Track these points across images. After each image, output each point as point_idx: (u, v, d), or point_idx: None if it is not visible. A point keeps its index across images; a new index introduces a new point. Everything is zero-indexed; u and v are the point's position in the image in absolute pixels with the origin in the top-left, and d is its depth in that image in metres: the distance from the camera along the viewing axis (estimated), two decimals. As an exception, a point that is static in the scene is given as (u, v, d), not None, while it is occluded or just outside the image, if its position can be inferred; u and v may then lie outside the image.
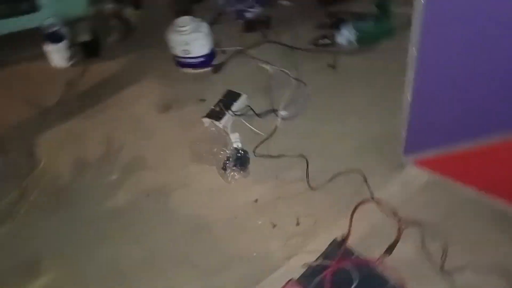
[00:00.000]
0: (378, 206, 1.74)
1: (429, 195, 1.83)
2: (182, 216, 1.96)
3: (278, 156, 2.10)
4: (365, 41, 2.59)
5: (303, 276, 1.44)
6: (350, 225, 1.67)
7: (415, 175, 1.89)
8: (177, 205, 2.01)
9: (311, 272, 1.44)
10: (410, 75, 1.60)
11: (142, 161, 2.25)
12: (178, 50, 2.61)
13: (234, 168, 2.05)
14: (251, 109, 2.32)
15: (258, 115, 2.29)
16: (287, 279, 1.54)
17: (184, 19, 2.56)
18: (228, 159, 2.07)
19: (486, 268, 1.56)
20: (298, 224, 1.85)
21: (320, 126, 2.23)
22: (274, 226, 1.86)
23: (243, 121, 2.28)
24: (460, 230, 1.70)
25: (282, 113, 2.25)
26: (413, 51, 1.52)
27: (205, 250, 1.83)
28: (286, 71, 2.52)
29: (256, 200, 1.97)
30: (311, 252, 1.67)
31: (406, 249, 1.64)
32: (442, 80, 1.56)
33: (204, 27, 2.59)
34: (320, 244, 1.67)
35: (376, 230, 1.74)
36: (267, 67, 2.56)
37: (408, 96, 1.66)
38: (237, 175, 2.05)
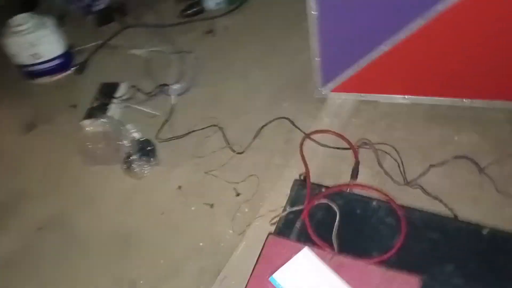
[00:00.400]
0: (331, 133, 1.57)
1: (361, 115, 1.69)
2: (96, 236, 1.55)
3: (187, 134, 1.79)
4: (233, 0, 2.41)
5: (279, 228, 1.17)
6: (304, 163, 1.46)
7: (340, 102, 1.73)
8: (84, 227, 1.59)
9: (286, 222, 1.18)
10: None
11: (21, 193, 1.76)
12: (24, 57, 2.11)
13: (141, 161, 1.69)
14: (138, 89, 1.97)
15: (148, 94, 1.95)
16: (253, 253, 1.24)
17: (21, 17, 2.07)
18: (129, 154, 1.70)
19: (447, 165, 1.46)
20: (238, 194, 1.57)
21: (222, 90, 1.97)
22: (212, 206, 1.55)
23: (134, 106, 1.92)
24: (404, 138, 1.58)
25: (174, 87, 1.94)
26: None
27: (141, 262, 1.45)
28: (161, 49, 2.22)
29: (179, 187, 1.64)
30: (267, 214, 1.40)
31: (365, 172, 1.46)
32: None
33: (50, 22, 2.14)
34: (276, 199, 1.42)
35: (327, 161, 1.55)
36: (138, 52, 2.23)
37: (314, 19, 1.50)
38: (146, 168, 1.69)
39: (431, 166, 1.44)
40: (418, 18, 1.41)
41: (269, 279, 0.97)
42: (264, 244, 1.05)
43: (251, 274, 1.00)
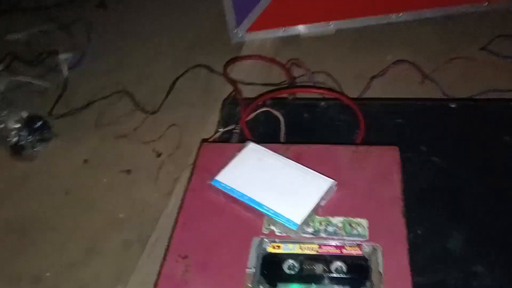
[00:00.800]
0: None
1: (285, 52, 1.52)
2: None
3: (88, 105, 1.49)
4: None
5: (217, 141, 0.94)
6: (231, 80, 1.28)
7: (259, 42, 1.54)
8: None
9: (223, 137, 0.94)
10: None
11: None
12: None
13: (30, 141, 1.35)
14: (15, 57, 1.64)
15: (32, 62, 1.62)
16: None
17: None
18: (15, 135, 1.36)
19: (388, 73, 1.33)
20: (159, 154, 1.30)
21: (123, 57, 1.67)
22: (129, 172, 1.27)
23: (19, 79, 1.58)
24: (335, 67, 1.41)
25: (64, 57, 1.62)
26: None
27: (45, 252, 1.12)
28: (45, 28, 1.88)
29: (85, 161, 1.32)
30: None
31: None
32: None
33: None
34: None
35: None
36: (16, 36, 1.88)
37: None
38: (38, 147, 1.36)
39: (373, 77, 1.29)
40: None
41: (211, 182, 0.72)
42: (197, 154, 0.80)
43: (185, 190, 0.74)
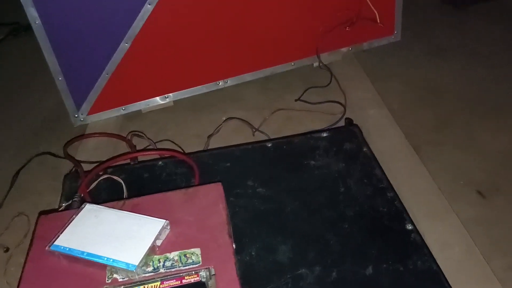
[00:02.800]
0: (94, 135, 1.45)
1: (131, 124, 1.60)
2: None
3: None
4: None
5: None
6: (71, 157, 1.31)
7: (102, 123, 1.59)
8: None
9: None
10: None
11: None
12: None
13: None
14: None
15: None
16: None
17: None
18: None
19: (221, 130, 1.48)
20: (6, 249, 1.23)
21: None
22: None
23: None
24: (177, 133, 1.55)
25: None
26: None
27: None
28: None
29: None
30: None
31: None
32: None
33: None
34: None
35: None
36: None
37: (40, 30, 1.38)
38: None
39: (210, 136, 1.43)
40: (144, 5, 1.44)
41: (50, 248, 0.73)
42: (35, 226, 0.81)
43: (25, 262, 0.74)
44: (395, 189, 1.04)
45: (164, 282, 0.73)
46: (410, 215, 1.00)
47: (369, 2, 1.66)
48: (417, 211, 1.14)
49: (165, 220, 0.78)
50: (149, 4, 1.44)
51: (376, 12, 1.68)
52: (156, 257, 0.76)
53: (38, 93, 1.85)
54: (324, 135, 1.18)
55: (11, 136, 1.67)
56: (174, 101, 1.67)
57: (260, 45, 1.67)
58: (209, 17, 1.55)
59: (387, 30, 1.80)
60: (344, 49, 1.78)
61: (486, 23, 2.02)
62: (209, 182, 1.02)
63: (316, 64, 1.74)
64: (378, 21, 1.70)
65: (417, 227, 0.98)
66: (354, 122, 1.30)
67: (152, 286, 0.73)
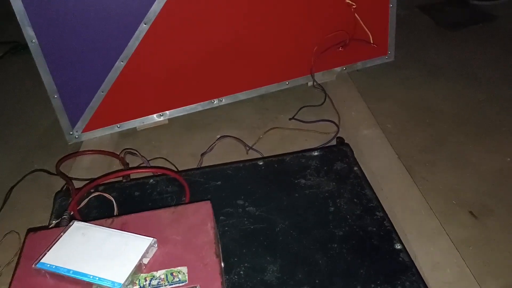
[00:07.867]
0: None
1: (123, 146, 1.60)
2: None
3: None
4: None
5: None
6: (63, 174, 1.30)
7: (97, 141, 1.60)
8: None
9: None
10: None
11: None
12: None
13: None
14: None
15: None
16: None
17: None
18: None
19: (215, 148, 1.48)
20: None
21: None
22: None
23: None
24: (172, 152, 1.55)
25: None
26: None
27: None
28: None
29: None
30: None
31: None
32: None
33: None
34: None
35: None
36: None
37: (37, 49, 1.41)
38: None
39: (203, 154, 1.43)
40: (140, 24, 1.47)
41: (36, 265, 0.73)
42: (23, 245, 0.81)
43: (11, 279, 0.73)
44: (386, 209, 1.04)
45: (150, 301, 0.73)
46: (402, 236, 1.00)
47: (362, 23, 1.69)
48: (409, 232, 1.14)
49: (152, 238, 0.78)
50: (145, 24, 1.47)
51: (369, 32, 1.71)
52: (143, 275, 0.75)
53: (34, 110, 1.87)
54: (315, 154, 1.19)
55: (6, 152, 1.68)
56: (169, 119, 1.68)
57: (255, 64, 1.69)
58: (204, 36, 1.58)
59: (380, 51, 1.82)
60: (338, 69, 1.80)
61: (479, 44, 2.05)
62: (200, 200, 1.03)
63: (310, 83, 1.76)
64: (372, 42, 1.73)
65: (409, 247, 0.98)
66: (346, 142, 1.31)
67: (137, 305, 0.72)
